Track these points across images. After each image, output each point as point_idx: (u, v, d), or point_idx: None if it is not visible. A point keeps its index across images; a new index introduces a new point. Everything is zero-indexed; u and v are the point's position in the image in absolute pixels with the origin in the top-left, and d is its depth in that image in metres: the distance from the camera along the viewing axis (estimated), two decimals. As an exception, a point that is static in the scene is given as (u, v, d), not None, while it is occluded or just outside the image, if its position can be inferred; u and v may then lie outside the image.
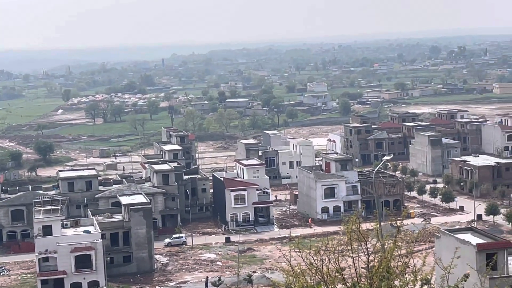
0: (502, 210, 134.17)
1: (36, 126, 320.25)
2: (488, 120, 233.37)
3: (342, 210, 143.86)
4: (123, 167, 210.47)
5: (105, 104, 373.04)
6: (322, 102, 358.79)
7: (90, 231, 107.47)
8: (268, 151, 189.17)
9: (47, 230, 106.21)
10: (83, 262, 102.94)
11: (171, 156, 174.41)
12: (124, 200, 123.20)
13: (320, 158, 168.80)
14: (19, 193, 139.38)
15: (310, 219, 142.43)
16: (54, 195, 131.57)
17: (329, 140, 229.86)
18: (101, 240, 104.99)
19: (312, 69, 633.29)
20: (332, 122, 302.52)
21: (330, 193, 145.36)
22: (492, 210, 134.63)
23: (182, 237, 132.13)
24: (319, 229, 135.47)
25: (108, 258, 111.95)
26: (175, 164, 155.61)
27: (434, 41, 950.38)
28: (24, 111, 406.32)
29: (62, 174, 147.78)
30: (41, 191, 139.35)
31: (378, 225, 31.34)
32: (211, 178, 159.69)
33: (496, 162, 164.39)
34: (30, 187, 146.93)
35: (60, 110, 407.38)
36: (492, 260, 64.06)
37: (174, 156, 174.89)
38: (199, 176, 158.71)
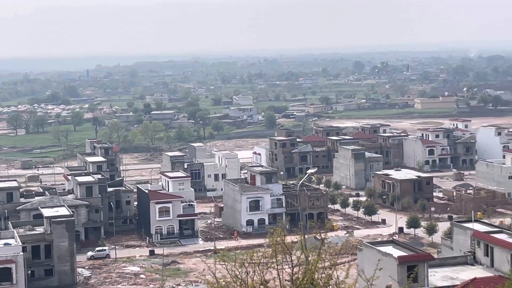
0: (423, 223, 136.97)
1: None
2: (409, 135, 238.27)
3: (266, 222, 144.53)
4: (40, 179, 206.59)
5: (28, 114, 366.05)
6: (247, 115, 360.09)
7: (10, 244, 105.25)
8: (194, 164, 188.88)
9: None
10: (3, 275, 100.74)
11: (95, 168, 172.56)
12: (46, 212, 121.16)
13: (246, 171, 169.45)
14: None
15: (235, 232, 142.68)
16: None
17: (255, 153, 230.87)
18: (22, 253, 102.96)
19: (238, 82, 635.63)
20: (258, 135, 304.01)
21: (255, 205, 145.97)
22: (413, 223, 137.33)
23: (105, 250, 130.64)
24: (244, 242, 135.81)
25: (29, 272, 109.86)
26: (99, 176, 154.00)
27: (358, 56, 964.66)
28: None
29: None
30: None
31: (302, 238, 31.77)
32: (135, 190, 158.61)
33: (417, 176, 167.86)
34: None
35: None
36: (413, 272, 65.52)
37: (98, 168, 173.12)
38: (124, 188, 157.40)
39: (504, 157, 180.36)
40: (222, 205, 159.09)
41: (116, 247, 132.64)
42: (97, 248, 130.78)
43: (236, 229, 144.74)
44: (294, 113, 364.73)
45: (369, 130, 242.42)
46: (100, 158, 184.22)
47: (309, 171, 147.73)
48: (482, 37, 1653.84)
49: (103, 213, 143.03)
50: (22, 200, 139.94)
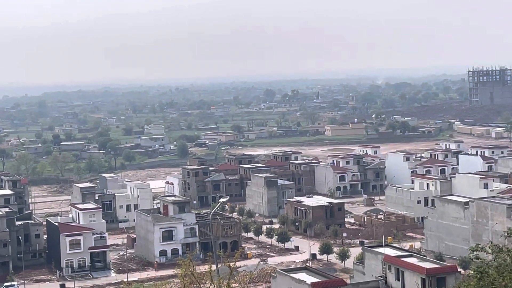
0: (335, 249, 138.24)
1: None
2: (320, 162, 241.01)
3: (180, 252, 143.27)
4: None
5: None
6: (159, 144, 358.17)
7: None
8: (105, 195, 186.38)
9: None
10: None
11: (2, 201, 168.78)
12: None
13: (158, 201, 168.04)
14: None
15: (155, 262, 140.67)
16: None
17: (167, 182, 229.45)
18: None
19: (149, 112, 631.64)
20: (170, 165, 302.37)
21: (168, 235, 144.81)
22: (326, 249, 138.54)
23: (14, 285, 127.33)
24: (157, 273, 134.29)
25: None
26: (7, 209, 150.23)
27: (268, 84, 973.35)
28: None
29: None
30: None
31: (211, 268, 31.54)
32: (45, 223, 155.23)
33: (329, 202, 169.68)
34: None
35: None
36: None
37: (6, 201, 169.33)
38: (32, 221, 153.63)
39: (412, 182, 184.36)
40: (134, 236, 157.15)
41: (26, 282, 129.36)
42: (6, 284, 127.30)
43: (149, 259, 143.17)
44: (206, 142, 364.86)
45: (281, 157, 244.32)
46: (8, 191, 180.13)
47: (222, 199, 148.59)
48: (389, 65, 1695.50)
49: (11, 247, 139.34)
50: None
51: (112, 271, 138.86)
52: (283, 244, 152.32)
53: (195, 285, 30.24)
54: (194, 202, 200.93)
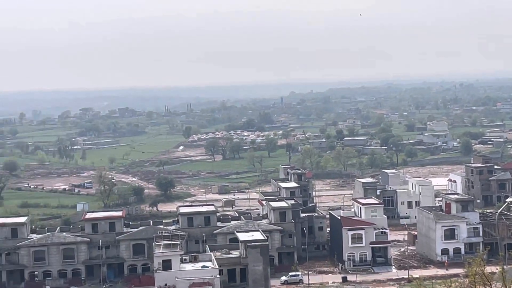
0: None
1: (157, 162, 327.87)
2: None
3: (462, 252, 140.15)
4: (232, 204, 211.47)
5: (224, 141, 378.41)
6: (442, 141, 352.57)
7: (208, 267, 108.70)
8: (387, 190, 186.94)
9: (166, 265, 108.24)
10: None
11: (288, 193, 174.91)
12: (242, 236, 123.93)
13: (440, 199, 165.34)
14: (140, 228, 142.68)
15: (446, 261, 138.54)
16: (174, 230, 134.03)
17: (450, 180, 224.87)
18: (218, 276, 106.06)
19: (432, 108, 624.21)
20: (453, 162, 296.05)
21: (450, 234, 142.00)
22: None
23: (298, 275, 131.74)
24: (439, 272, 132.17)
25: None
26: (292, 201, 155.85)
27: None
28: (146, 148, 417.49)
29: (182, 210, 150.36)
30: (161, 226, 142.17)
31: (502, 269, 30.42)
32: (328, 216, 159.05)
33: None
34: (151, 222, 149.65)
35: (181, 147, 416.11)
36: None
37: (291, 193, 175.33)
38: (316, 214, 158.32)
39: None
40: (415, 233, 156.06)
41: (309, 272, 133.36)
42: (291, 273, 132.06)
43: (430, 257, 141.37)
44: (492, 139, 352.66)
45: None
46: (293, 184, 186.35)
47: (508, 199, 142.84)
48: None
49: (296, 238, 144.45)
50: (219, 224, 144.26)
51: (393, 267, 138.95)
52: None
53: (485, 285, 29.33)
54: (478, 201, 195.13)
